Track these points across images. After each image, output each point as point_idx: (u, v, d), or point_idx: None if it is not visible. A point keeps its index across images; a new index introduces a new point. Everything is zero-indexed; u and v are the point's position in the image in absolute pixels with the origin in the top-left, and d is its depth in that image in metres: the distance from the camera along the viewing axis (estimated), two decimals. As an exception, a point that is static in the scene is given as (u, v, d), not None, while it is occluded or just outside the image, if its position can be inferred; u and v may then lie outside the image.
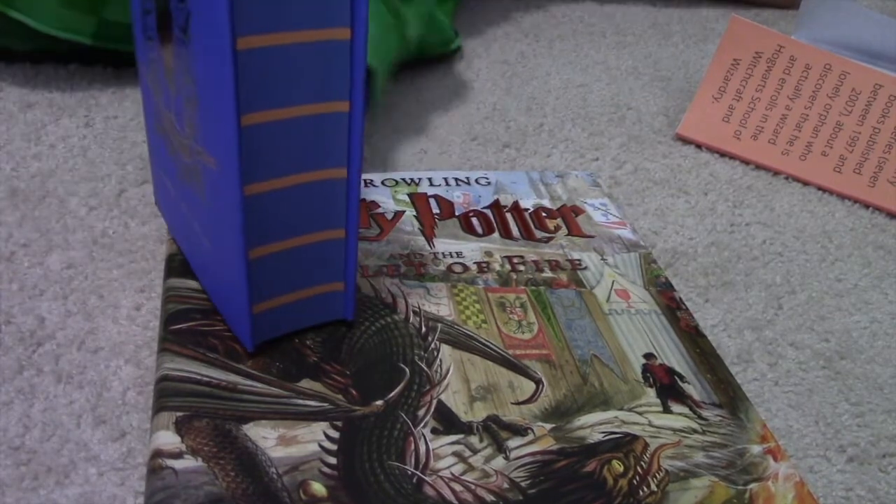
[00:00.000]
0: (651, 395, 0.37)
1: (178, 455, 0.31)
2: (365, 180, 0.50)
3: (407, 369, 0.36)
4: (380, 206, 0.47)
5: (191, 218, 0.37)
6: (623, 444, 0.34)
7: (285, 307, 0.36)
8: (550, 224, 0.47)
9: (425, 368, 0.37)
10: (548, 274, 0.43)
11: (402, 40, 0.58)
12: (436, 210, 0.48)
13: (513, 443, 0.34)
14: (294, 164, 0.32)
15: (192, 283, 0.40)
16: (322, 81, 0.31)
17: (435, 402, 0.35)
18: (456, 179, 0.51)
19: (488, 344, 0.38)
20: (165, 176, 0.39)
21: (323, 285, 0.36)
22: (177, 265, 0.41)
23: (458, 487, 0.31)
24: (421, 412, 0.34)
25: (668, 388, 0.37)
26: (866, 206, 0.57)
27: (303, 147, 0.32)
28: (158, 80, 0.36)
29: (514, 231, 0.46)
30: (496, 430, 0.34)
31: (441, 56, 0.71)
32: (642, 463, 0.33)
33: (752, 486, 0.33)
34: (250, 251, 0.33)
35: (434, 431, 0.34)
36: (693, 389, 0.37)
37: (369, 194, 0.48)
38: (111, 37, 0.59)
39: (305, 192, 0.33)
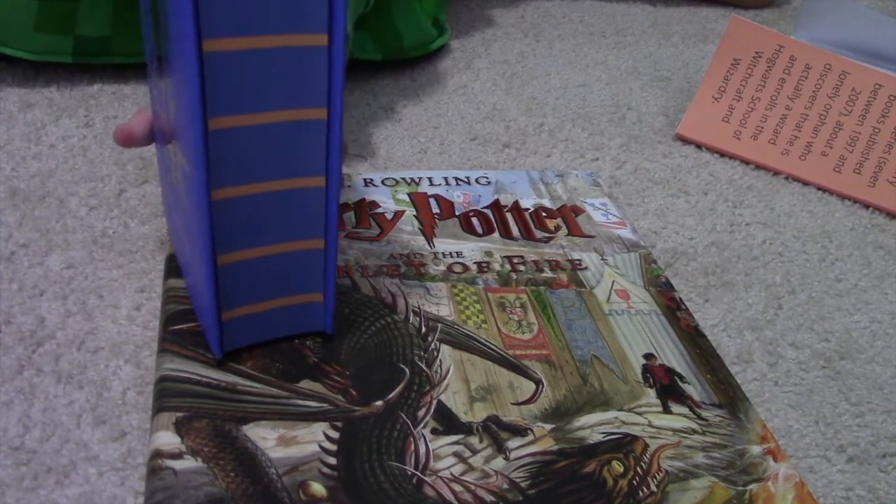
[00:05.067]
0: (651, 395, 0.37)
1: (177, 455, 0.31)
2: (365, 180, 0.50)
3: (407, 369, 0.36)
4: (380, 206, 0.47)
5: (178, 219, 0.37)
6: (623, 444, 0.34)
7: (259, 315, 0.35)
8: (550, 224, 0.47)
9: (425, 369, 0.37)
10: (548, 274, 0.43)
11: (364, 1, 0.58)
12: (436, 210, 0.47)
13: (513, 443, 0.34)
14: (268, 171, 0.31)
15: (192, 284, 0.40)
16: (297, 87, 0.30)
17: (435, 402, 0.35)
18: (456, 179, 0.51)
19: (488, 344, 0.38)
20: (164, 174, 0.39)
21: (300, 295, 0.35)
22: (177, 265, 0.41)
23: (457, 488, 0.31)
24: (421, 413, 0.34)
25: (668, 388, 0.37)
26: (866, 206, 0.57)
27: (277, 154, 0.31)
28: (156, 77, 0.36)
29: (514, 231, 0.46)
30: (496, 431, 0.34)
31: (424, 56, 0.71)
32: (642, 463, 0.33)
33: (751, 486, 0.33)
34: (219, 257, 0.32)
35: (434, 432, 0.34)
36: (693, 390, 0.37)
37: (369, 194, 0.48)
38: (91, 52, 0.60)
39: (280, 199, 0.32)
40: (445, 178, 0.51)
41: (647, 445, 0.34)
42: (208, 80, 0.29)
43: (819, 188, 0.59)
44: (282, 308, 0.35)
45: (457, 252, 0.44)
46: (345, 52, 0.30)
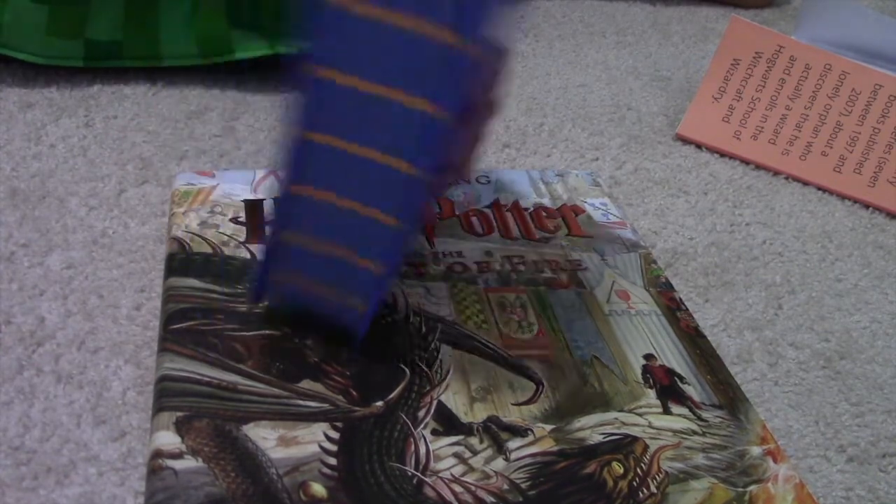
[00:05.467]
0: (651, 396, 0.37)
1: (178, 455, 0.31)
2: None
3: (407, 370, 0.36)
4: (380, 206, 0.47)
5: None
6: (623, 445, 0.34)
7: (300, 291, 0.37)
8: (550, 224, 0.47)
9: (425, 369, 0.37)
10: (548, 274, 0.43)
11: None
12: (436, 209, 0.47)
13: (513, 444, 0.34)
14: (344, 190, 0.34)
15: (192, 283, 0.40)
16: (389, 136, 0.32)
17: (435, 402, 0.35)
18: (456, 179, 0.51)
19: (488, 344, 0.38)
20: None
21: (347, 296, 0.36)
22: (177, 265, 0.41)
23: (458, 489, 0.31)
24: (421, 413, 0.34)
25: (667, 389, 0.37)
26: (866, 206, 0.57)
27: (357, 182, 0.33)
28: None
29: (514, 231, 0.46)
30: (496, 431, 0.34)
31: None
32: (642, 465, 0.33)
33: (751, 487, 0.33)
34: (281, 232, 0.36)
35: (434, 432, 0.34)
36: (693, 390, 0.37)
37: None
38: (102, 55, 0.59)
39: (349, 216, 0.34)
40: (445, 178, 0.51)
41: (647, 446, 0.34)
42: (307, 96, 0.32)
43: (819, 188, 0.59)
44: (325, 294, 0.37)
45: (457, 252, 0.44)
46: (451, 125, 0.32)
